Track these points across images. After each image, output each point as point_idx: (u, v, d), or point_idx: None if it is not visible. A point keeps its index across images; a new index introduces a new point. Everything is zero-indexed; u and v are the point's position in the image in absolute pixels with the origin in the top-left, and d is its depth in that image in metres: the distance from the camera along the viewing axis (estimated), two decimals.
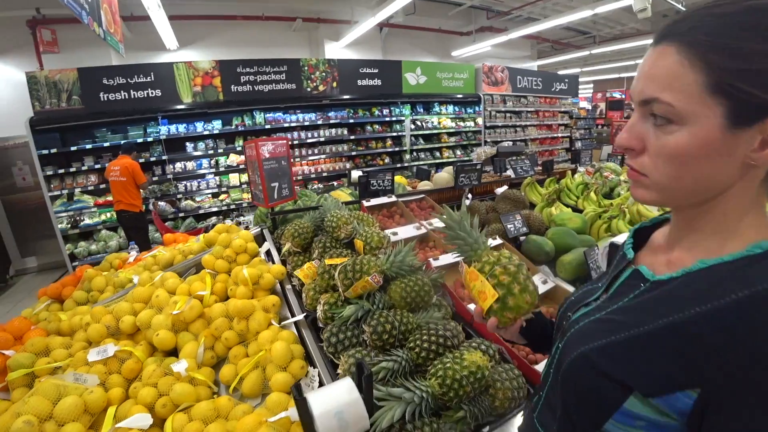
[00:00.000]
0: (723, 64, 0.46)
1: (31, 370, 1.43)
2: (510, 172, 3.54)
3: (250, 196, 6.18)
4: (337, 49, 8.02)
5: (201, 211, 6.15)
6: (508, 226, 2.12)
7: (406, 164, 7.50)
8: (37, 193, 5.76)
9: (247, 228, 2.59)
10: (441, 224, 2.23)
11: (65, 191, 5.70)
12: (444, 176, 3.16)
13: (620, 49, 11.10)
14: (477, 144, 8.29)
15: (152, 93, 5.77)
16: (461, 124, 8.14)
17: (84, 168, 5.66)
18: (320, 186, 6.87)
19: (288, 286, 1.74)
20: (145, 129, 5.88)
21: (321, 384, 1.27)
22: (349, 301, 1.38)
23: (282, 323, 1.54)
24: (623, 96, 14.23)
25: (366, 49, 8.36)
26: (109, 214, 5.73)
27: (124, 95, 5.68)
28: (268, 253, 2.06)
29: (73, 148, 5.52)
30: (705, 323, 0.48)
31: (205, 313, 1.61)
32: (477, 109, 8.28)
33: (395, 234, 2.05)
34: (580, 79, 17.87)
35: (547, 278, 1.81)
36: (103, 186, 5.69)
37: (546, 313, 1.67)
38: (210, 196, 6.43)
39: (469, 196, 2.75)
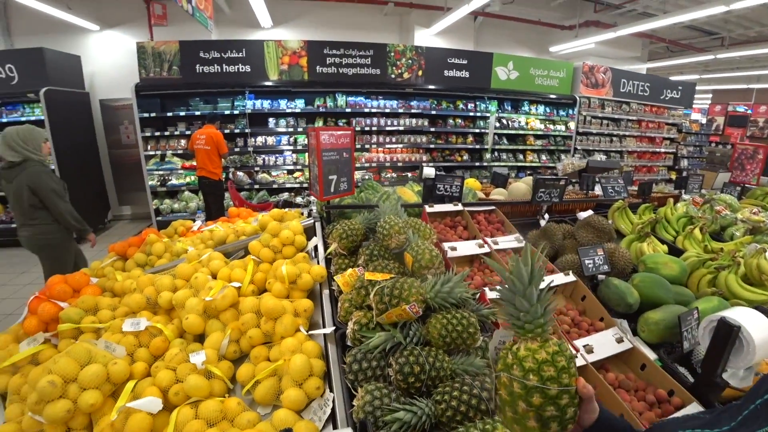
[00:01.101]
0: None
1: (77, 325, 1.53)
2: (599, 191, 3.11)
3: None
4: (427, 37, 7.75)
5: (275, 186, 6.36)
6: (586, 261, 1.80)
7: (485, 164, 7.11)
8: (136, 150, 6.32)
9: (311, 212, 2.54)
10: (509, 245, 1.98)
11: (159, 152, 6.21)
12: (521, 187, 2.85)
13: (753, 54, 9.49)
14: (566, 150, 7.62)
15: (242, 68, 6.01)
16: (551, 127, 7.52)
17: (176, 133, 6.11)
18: (394, 175, 6.75)
19: (326, 291, 1.62)
20: (233, 102, 6.16)
21: (333, 412, 1.13)
22: (382, 327, 1.22)
23: (310, 331, 1.43)
24: (748, 110, 12.30)
25: (457, 38, 7.99)
26: (192, 178, 6.13)
27: (217, 68, 5.97)
28: (316, 248, 1.97)
29: (169, 114, 5.97)
30: None
31: (238, 303, 1.56)
32: (571, 112, 7.58)
33: (454, 249, 1.84)
34: (697, 87, 15.78)
35: (624, 336, 1.49)
36: (191, 150, 6.10)
37: (614, 381, 1.38)
38: (285, 172, 6.61)
39: (546, 215, 2.44)
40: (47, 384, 1.12)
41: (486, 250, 1.92)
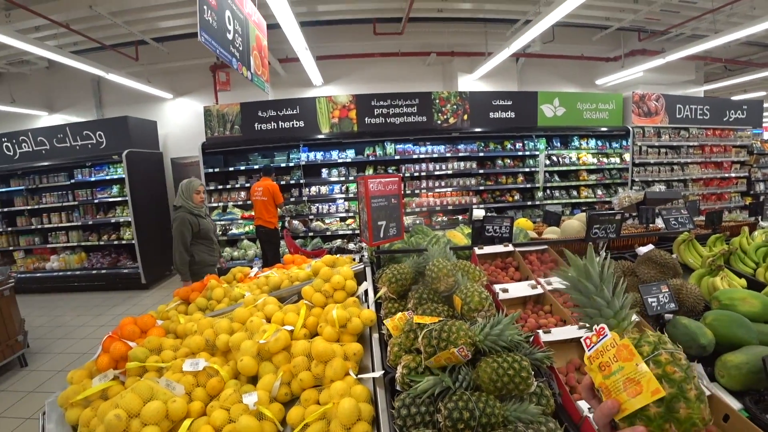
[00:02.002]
0: None
1: (143, 364, 1.64)
2: (660, 224, 2.93)
3: None
4: (470, 81, 7.95)
5: (328, 233, 6.57)
6: (650, 300, 1.68)
7: (537, 202, 6.95)
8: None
9: (362, 258, 2.61)
10: (562, 285, 1.91)
11: (221, 204, 6.69)
12: (575, 224, 2.75)
13: None
14: (623, 183, 7.28)
15: (296, 124, 6.46)
16: (604, 160, 7.26)
17: (237, 185, 6.59)
18: (445, 219, 6.76)
19: (375, 335, 1.63)
20: (288, 155, 6.58)
21: None
22: (431, 371, 1.20)
23: (359, 375, 1.44)
24: None
25: (501, 80, 8.12)
26: (250, 227, 6.50)
27: (274, 125, 6.46)
28: (366, 292, 2.00)
29: (230, 168, 6.49)
30: None
31: (290, 346, 1.60)
32: (624, 143, 7.30)
33: (505, 291, 1.80)
34: (765, 105, 14.61)
35: (701, 381, 1.36)
36: (249, 202, 6.51)
37: None
38: (338, 219, 6.84)
39: (602, 252, 2.32)
40: (113, 417, 1.23)
41: (539, 291, 1.85)
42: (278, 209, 5.74)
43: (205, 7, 2.50)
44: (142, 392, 1.34)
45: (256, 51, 3.56)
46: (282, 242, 6.11)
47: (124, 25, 6.04)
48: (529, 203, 6.95)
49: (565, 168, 7.04)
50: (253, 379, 1.60)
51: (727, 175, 8.31)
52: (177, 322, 2.00)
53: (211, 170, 6.43)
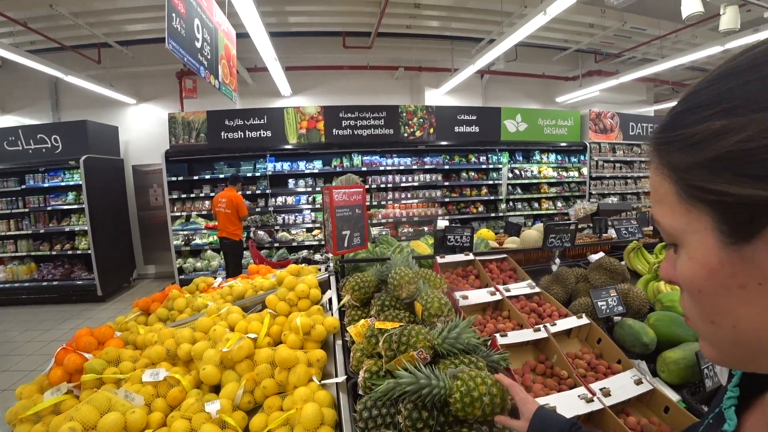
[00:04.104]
0: (680, 160, 0.36)
1: (100, 376, 1.58)
2: (612, 234, 3.12)
3: None
4: (437, 96, 8.17)
5: (294, 244, 6.52)
6: (599, 303, 1.80)
7: (501, 214, 7.18)
8: (163, 212, 6.68)
9: (328, 268, 2.62)
10: (521, 291, 2.00)
11: (184, 213, 6.52)
12: (533, 234, 2.89)
13: None
14: (581, 196, 7.65)
15: (264, 133, 6.42)
16: (564, 174, 7.61)
17: (201, 195, 6.45)
18: (411, 230, 6.86)
19: (339, 342, 1.66)
20: (255, 165, 6.52)
21: None
22: (392, 375, 1.24)
23: (323, 381, 1.46)
24: None
25: (466, 95, 8.38)
26: (215, 237, 6.35)
27: (241, 134, 6.40)
28: (331, 301, 2.02)
29: (195, 177, 6.36)
30: None
31: (254, 354, 1.60)
32: (582, 158, 7.70)
33: (465, 298, 1.87)
34: None
35: (643, 378, 1.46)
36: (213, 212, 6.39)
37: (635, 426, 1.34)
38: (304, 230, 6.80)
39: (557, 260, 2.45)
40: (68, 430, 1.17)
41: (498, 297, 1.93)
42: (242, 222, 5.65)
43: (173, 14, 2.49)
44: (99, 404, 1.30)
45: (225, 60, 3.55)
46: (246, 253, 6.01)
47: (87, 26, 5.83)
48: (493, 215, 7.17)
49: (527, 181, 7.33)
50: (216, 389, 1.59)
51: None
52: (137, 333, 1.94)
53: (174, 178, 6.27)
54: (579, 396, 1.39)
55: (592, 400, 1.37)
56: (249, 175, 6.45)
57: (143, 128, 7.59)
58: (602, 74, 8.79)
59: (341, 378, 1.41)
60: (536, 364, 1.60)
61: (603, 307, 1.80)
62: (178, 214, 6.50)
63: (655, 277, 2.40)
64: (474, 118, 7.05)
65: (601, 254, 2.49)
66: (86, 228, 6.16)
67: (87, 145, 6.26)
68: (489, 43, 6.29)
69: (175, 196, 6.37)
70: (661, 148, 0.39)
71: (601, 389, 1.42)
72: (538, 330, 1.65)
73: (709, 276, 0.37)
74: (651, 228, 3.46)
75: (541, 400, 1.35)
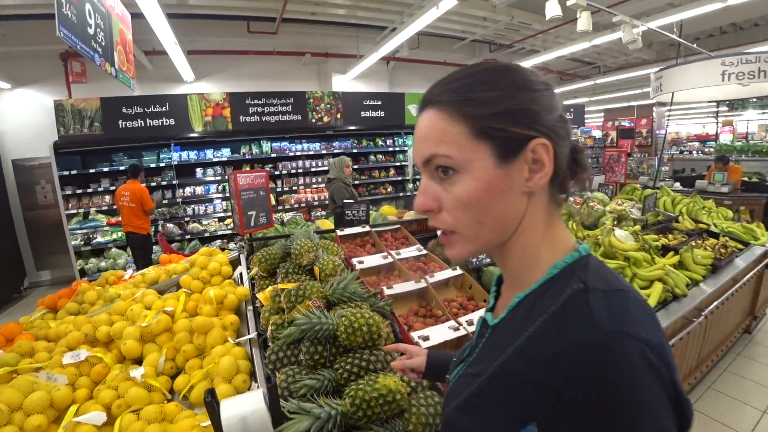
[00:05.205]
0: (476, 113, 0.53)
1: (14, 368, 1.58)
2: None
3: None
4: (345, 82, 8.39)
5: (207, 234, 6.40)
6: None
7: (408, 193, 7.69)
8: (55, 210, 6.12)
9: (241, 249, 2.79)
10: (410, 254, 2.38)
11: (81, 210, 6.07)
12: None
13: (625, 78, 11.22)
14: None
15: (166, 122, 6.16)
16: None
17: (100, 189, 6.03)
18: (323, 213, 7.09)
19: (250, 307, 1.90)
20: (159, 155, 6.25)
21: None
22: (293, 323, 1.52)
23: (237, 340, 1.69)
24: (632, 124, 14.29)
25: (373, 81, 8.71)
26: (120, 233, 6.02)
27: (141, 123, 6.07)
28: (242, 275, 2.23)
29: (91, 170, 5.92)
30: (519, 358, 0.51)
31: (172, 327, 1.77)
32: None
33: (361, 263, 2.20)
34: (591, 108, 17.98)
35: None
36: (116, 207, 6.02)
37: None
38: (216, 220, 6.70)
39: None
40: None
41: (390, 260, 2.29)
42: (148, 215, 5.42)
43: (63, 1, 2.41)
44: (21, 386, 1.35)
45: (120, 46, 3.44)
46: (157, 248, 5.81)
47: None
48: (401, 194, 7.67)
49: None
50: (139, 363, 1.71)
51: None
52: (47, 328, 1.96)
53: (66, 173, 5.75)
54: (449, 327, 1.79)
55: (459, 329, 1.78)
56: (153, 165, 6.16)
57: (23, 117, 6.78)
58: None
59: (253, 335, 1.66)
60: (419, 309, 1.99)
61: (473, 260, 2.25)
62: (74, 211, 6.02)
63: None
64: (379, 103, 7.41)
65: None
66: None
67: None
68: (392, 32, 6.64)
69: (69, 192, 5.88)
70: (458, 104, 0.54)
71: (467, 321, 1.84)
72: (420, 281, 2.03)
73: (487, 187, 0.53)
74: None
75: (419, 332, 1.73)
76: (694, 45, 7.56)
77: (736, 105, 14.62)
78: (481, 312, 1.96)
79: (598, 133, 16.73)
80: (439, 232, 0.63)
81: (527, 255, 0.59)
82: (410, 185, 7.75)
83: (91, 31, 2.88)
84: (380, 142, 7.47)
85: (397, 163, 7.60)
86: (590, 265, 0.55)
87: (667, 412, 0.46)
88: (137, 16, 4.25)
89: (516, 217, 0.56)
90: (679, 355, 2.62)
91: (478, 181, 0.53)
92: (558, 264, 0.56)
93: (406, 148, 7.57)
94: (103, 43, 3.02)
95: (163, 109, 6.14)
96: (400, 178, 7.72)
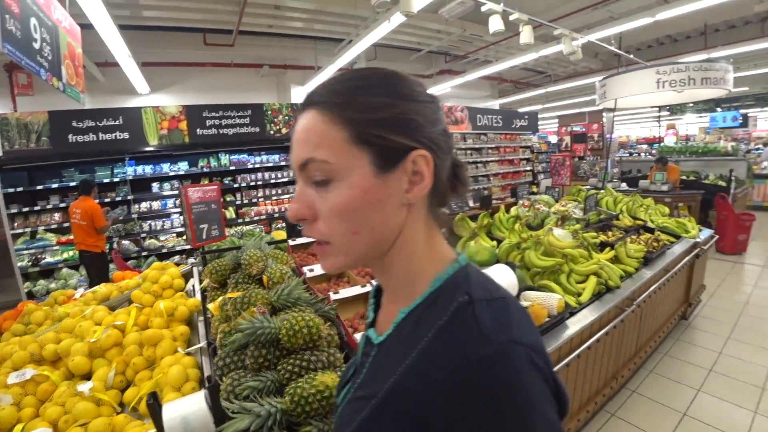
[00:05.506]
0: (358, 117, 0.51)
1: None
2: (445, 210, 3.83)
3: None
4: (304, 93, 8.42)
5: (164, 250, 6.27)
6: None
7: None
8: None
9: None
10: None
11: (29, 229, 5.81)
12: None
13: (575, 86, 11.87)
14: None
15: (120, 135, 6.01)
16: None
17: (49, 206, 5.80)
18: (284, 225, 7.10)
19: (201, 318, 1.95)
20: (112, 169, 6.09)
21: None
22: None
23: (187, 350, 1.74)
24: (584, 129, 15.09)
25: None
26: (71, 252, 5.81)
27: (93, 137, 5.89)
28: (195, 287, 2.27)
29: (39, 187, 5.69)
30: (412, 376, 0.49)
31: (122, 341, 1.80)
32: None
33: (312, 270, 2.29)
34: (546, 115, 18.86)
35: None
36: (66, 224, 5.80)
37: None
38: (175, 235, 6.57)
39: None
40: None
41: None
42: (101, 233, 5.21)
43: (7, 16, 2.38)
44: None
45: (69, 60, 3.38)
46: (113, 265, 5.65)
47: None
48: None
49: None
50: (88, 379, 1.72)
51: (517, 169, 10.57)
52: None
53: (12, 190, 5.53)
54: None
55: None
56: (107, 181, 6.01)
57: None
58: (452, 73, 10.02)
59: (203, 344, 1.72)
60: (365, 312, 2.09)
61: None
62: (20, 231, 5.76)
63: (470, 238, 3.12)
64: None
65: None
66: None
67: None
68: (349, 44, 6.80)
69: (14, 211, 5.63)
70: (340, 107, 0.52)
71: None
72: (365, 286, 2.14)
73: (364, 196, 0.51)
74: (478, 204, 4.28)
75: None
76: (631, 55, 8.14)
77: (675, 109, 15.75)
78: None
79: (554, 138, 17.60)
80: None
81: (410, 268, 0.58)
82: None
83: (36, 45, 2.84)
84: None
85: None
86: (471, 276, 0.56)
87: (553, 408, 0.48)
88: (89, 26, 4.18)
89: (394, 228, 0.55)
90: (617, 341, 2.84)
91: (355, 190, 0.52)
92: (441, 276, 0.56)
93: None
94: (50, 57, 2.98)
95: (117, 122, 6.00)
96: None
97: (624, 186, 7.74)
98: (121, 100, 7.33)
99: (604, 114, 14.35)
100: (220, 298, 1.92)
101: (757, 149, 13.08)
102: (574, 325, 2.29)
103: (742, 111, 14.12)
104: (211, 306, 1.90)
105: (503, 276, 1.91)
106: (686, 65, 6.12)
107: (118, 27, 4.52)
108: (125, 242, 6.05)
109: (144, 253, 6.16)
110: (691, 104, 14.31)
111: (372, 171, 0.52)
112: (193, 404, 1.09)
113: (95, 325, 1.91)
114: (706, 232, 4.09)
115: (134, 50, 5.52)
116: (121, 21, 5.85)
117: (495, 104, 12.59)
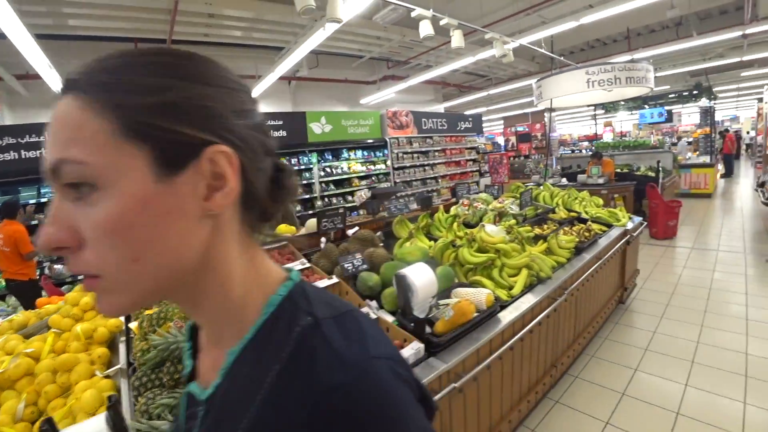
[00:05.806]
0: (127, 102, 0.38)
1: None
2: (384, 213, 3.91)
3: None
4: None
5: None
6: (346, 265, 2.40)
7: (317, 210, 7.78)
8: None
9: None
10: (295, 268, 2.50)
11: None
12: (313, 222, 3.43)
13: (515, 88, 12.41)
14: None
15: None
16: (371, 167, 8.64)
17: None
18: None
19: (123, 338, 1.89)
20: (39, 189, 5.72)
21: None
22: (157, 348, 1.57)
23: (105, 372, 1.69)
24: (527, 129, 15.83)
25: (275, 101, 8.77)
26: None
27: (15, 155, 5.51)
28: None
29: None
30: (267, 426, 0.41)
31: (34, 370, 1.71)
32: (385, 152, 8.85)
33: None
34: (492, 117, 19.59)
35: (372, 312, 2.09)
36: None
37: None
38: None
39: (323, 240, 3.01)
40: None
41: None
42: (26, 259, 4.75)
43: None
44: None
45: None
46: (44, 293, 5.28)
47: None
48: (311, 212, 7.72)
49: (338, 177, 8.09)
50: None
51: (464, 170, 10.89)
52: None
53: None
54: None
55: None
56: (33, 201, 5.63)
57: None
58: (395, 78, 10.21)
59: (121, 364, 1.67)
60: None
61: (349, 267, 2.41)
62: None
63: (407, 239, 3.20)
64: (281, 122, 7.45)
65: (356, 229, 3.19)
66: None
67: None
68: (288, 52, 6.77)
69: None
70: (103, 89, 0.38)
71: None
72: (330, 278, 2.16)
73: (143, 208, 0.38)
74: (419, 206, 4.39)
75: None
76: (562, 57, 8.66)
77: (609, 108, 16.86)
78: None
79: (501, 139, 18.31)
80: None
81: (228, 297, 0.46)
82: (318, 202, 7.85)
83: None
84: (285, 162, 7.49)
85: (304, 182, 7.67)
86: (308, 292, 0.48)
87: (421, 412, 0.45)
88: (1, 36, 3.91)
89: (195, 249, 0.42)
90: (553, 330, 2.95)
91: (128, 200, 0.38)
92: (274, 299, 0.46)
93: (311, 166, 7.70)
94: None
95: (41, 138, 5.65)
96: (308, 196, 7.79)
97: (564, 181, 8.17)
98: (46, 115, 6.85)
99: (545, 114, 15.11)
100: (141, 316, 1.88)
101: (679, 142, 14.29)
102: (506, 318, 2.34)
103: (667, 107, 15.33)
104: (133, 326, 1.85)
105: (421, 274, 1.98)
106: (612, 66, 6.60)
107: (35, 36, 4.25)
108: (57, 266, 5.67)
109: (80, 277, 5.77)
110: (622, 102, 15.36)
111: (151, 174, 0.39)
112: (93, 426, 1.07)
113: (6, 355, 1.81)
114: (636, 220, 4.38)
115: (58, 61, 5.23)
116: (42, 30, 5.54)
117: (440, 108, 12.94)
